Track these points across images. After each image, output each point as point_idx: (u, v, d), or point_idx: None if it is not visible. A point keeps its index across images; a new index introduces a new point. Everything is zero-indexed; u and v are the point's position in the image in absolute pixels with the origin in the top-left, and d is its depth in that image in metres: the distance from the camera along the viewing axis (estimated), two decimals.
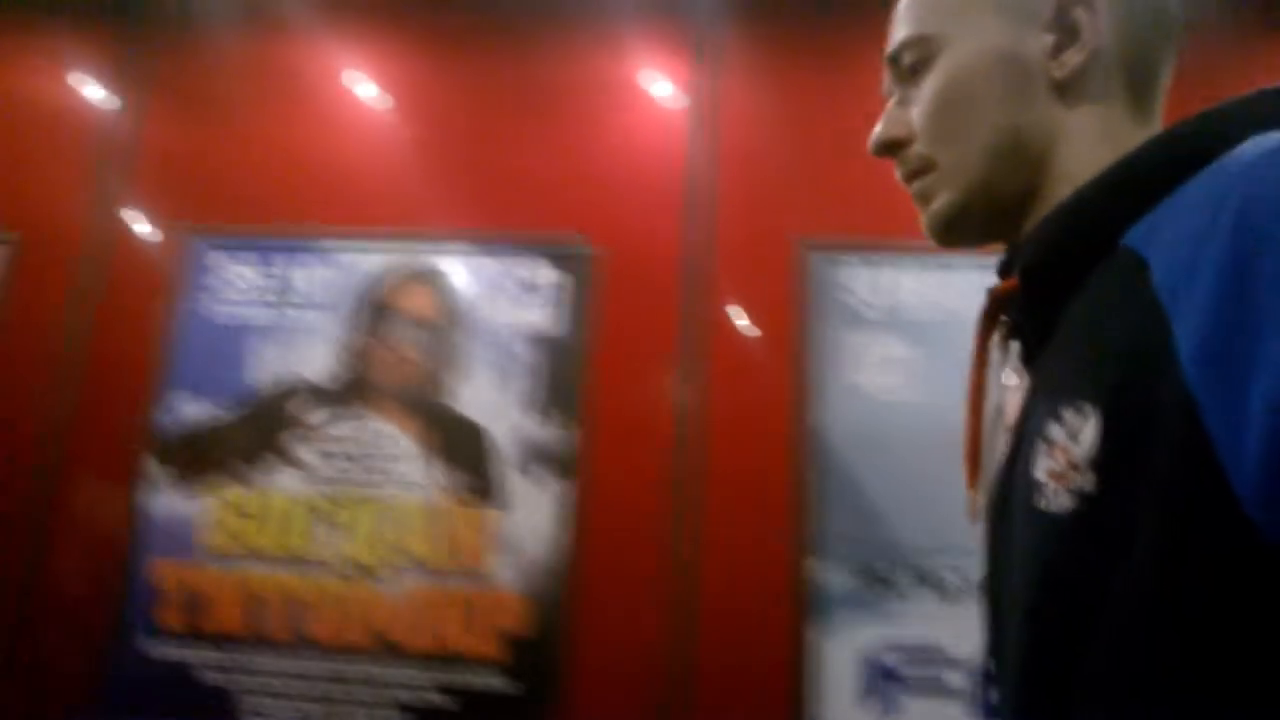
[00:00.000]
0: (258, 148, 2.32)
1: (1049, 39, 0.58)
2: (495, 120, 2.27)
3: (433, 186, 2.24)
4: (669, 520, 1.96)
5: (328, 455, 2.08)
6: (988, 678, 0.57)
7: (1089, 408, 0.45)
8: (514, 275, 2.14)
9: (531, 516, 1.98)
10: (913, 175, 0.63)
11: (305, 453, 2.09)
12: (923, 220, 0.64)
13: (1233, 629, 0.38)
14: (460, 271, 2.16)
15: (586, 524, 1.96)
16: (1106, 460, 0.44)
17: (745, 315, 2.05)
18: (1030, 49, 0.59)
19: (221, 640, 2.00)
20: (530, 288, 2.13)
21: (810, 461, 1.94)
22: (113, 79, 2.41)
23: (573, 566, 1.94)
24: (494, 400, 2.07)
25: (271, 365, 2.16)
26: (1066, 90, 0.58)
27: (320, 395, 2.12)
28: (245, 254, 2.24)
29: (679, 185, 2.14)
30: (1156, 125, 0.60)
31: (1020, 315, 0.57)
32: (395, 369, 2.12)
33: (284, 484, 2.07)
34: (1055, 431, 0.48)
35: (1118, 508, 0.43)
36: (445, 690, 1.91)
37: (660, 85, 2.25)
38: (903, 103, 0.64)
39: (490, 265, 2.15)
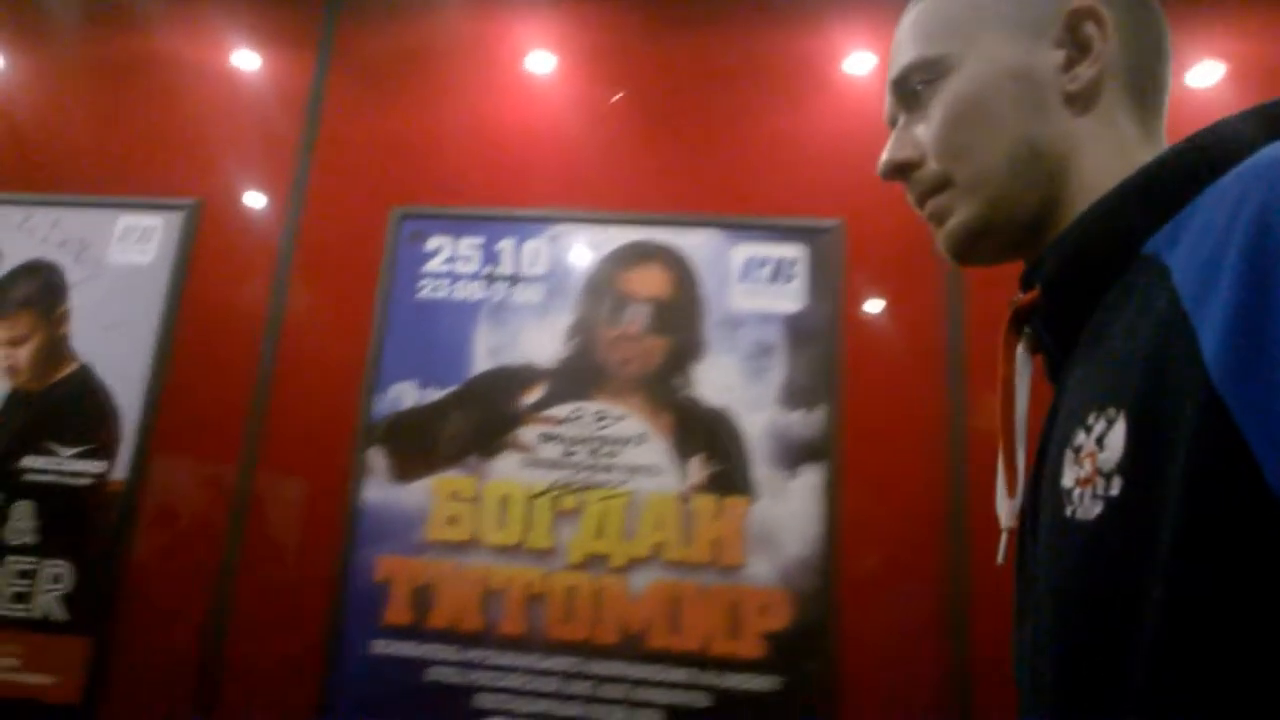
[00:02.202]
0: (463, 123, 2.20)
1: (1060, 54, 0.59)
2: (728, 95, 2.15)
3: (664, 164, 2.13)
4: (936, 507, 1.85)
5: (555, 441, 1.97)
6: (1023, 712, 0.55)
7: (1115, 413, 0.45)
8: (753, 254, 2.03)
9: (786, 507, 1.88)
10: (926, 195, 0.63)
11: (531, 439, 1.98)
12: (939, 239, 0.64)
13: (1271, 624, 0.37)
14: (695, 251, 2.04)
15: (847, 513, 1.86)
16: (1134, 465, 0.43)
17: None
18: (1042, 64, 0.59)
19: (451, 635, 1.89)
20: (771, 267, 2.01)
21: None
22: (308, 50, 2.28)
23: (834, 558, 1.84)
24: (736, 385, 1.96)
25: (490, 346, 2.04)
26: (1079, 104, 0.59)
27: (545, 378, 2.01)
28: (457, 231, 2.12)
29: None
30: (1162, 139, 0.61)
31: (1043, 327, 0.57)
32: (627, 351, 2.00)
33: (510, 471, 1.96)
34: (1082, 439, 0.48)
35: (1147, 511, 0.42)
36: (703, 689, 1.81)
37: None
38: (908, 126, 0.65)
39: (727, 244, 2.04)
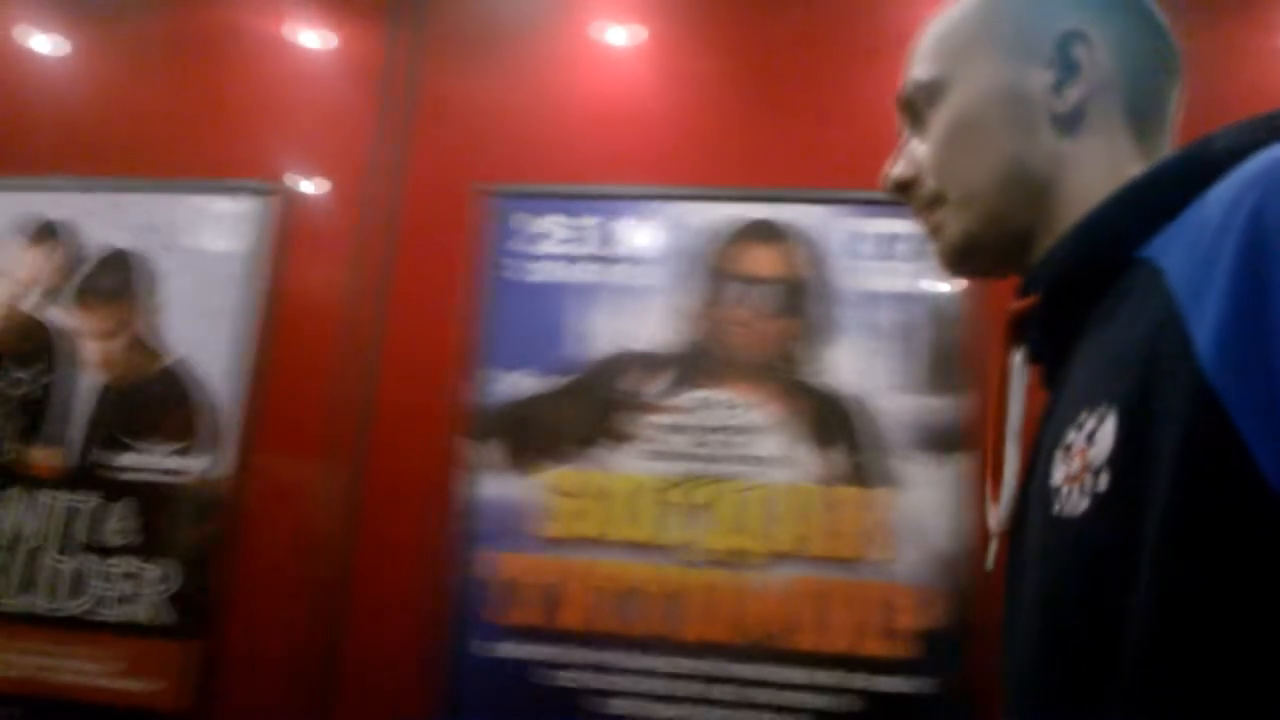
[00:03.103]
0: (562, 95, 2.08)
1: (1050, 75, 0.60)
2: (846, 63, 2.02)
3: (781, 136, 2.00)
4: None
5: (671, 430, 1.86)
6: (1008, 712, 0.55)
7: (1106, 410, 0.45)
8: (881, 230, 1.91)
9: (926, 497, 1.77)
10: (924, 210, 0.66)
11: (645, 428, 1.87)
12: (935, 252, 0.66)
13: (1263, 618, 0.37)
14: (818, 228, 1.92)
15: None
16: (1123, 458, 0.43)
17: None
18: (1032, 85, 0.60)
19: (582, 637, 1.80)
20: (901, 243, 1.89)
21: None
22: (391, 23, 2.16)
23: (979, 550, 1.73)
24: (870, 369, 1.84)
25: (597, 331, 1.94)
26: (1069, 124, 0.60)
27: (657, 363, 1.90)
28: (563, 210, 2.01)
29: None
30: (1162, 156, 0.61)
31: (1039, 334, 0.58)
32: (742, 335, 1.89)
33: (624, 463, 1.86)
34: (1072, 437, 0.48)
35: (1135, 505, 0.42)
36: (852, 692, 1.71)
37: None
38: (912, 143, 0.67)
39: (853, 220, 1.92)
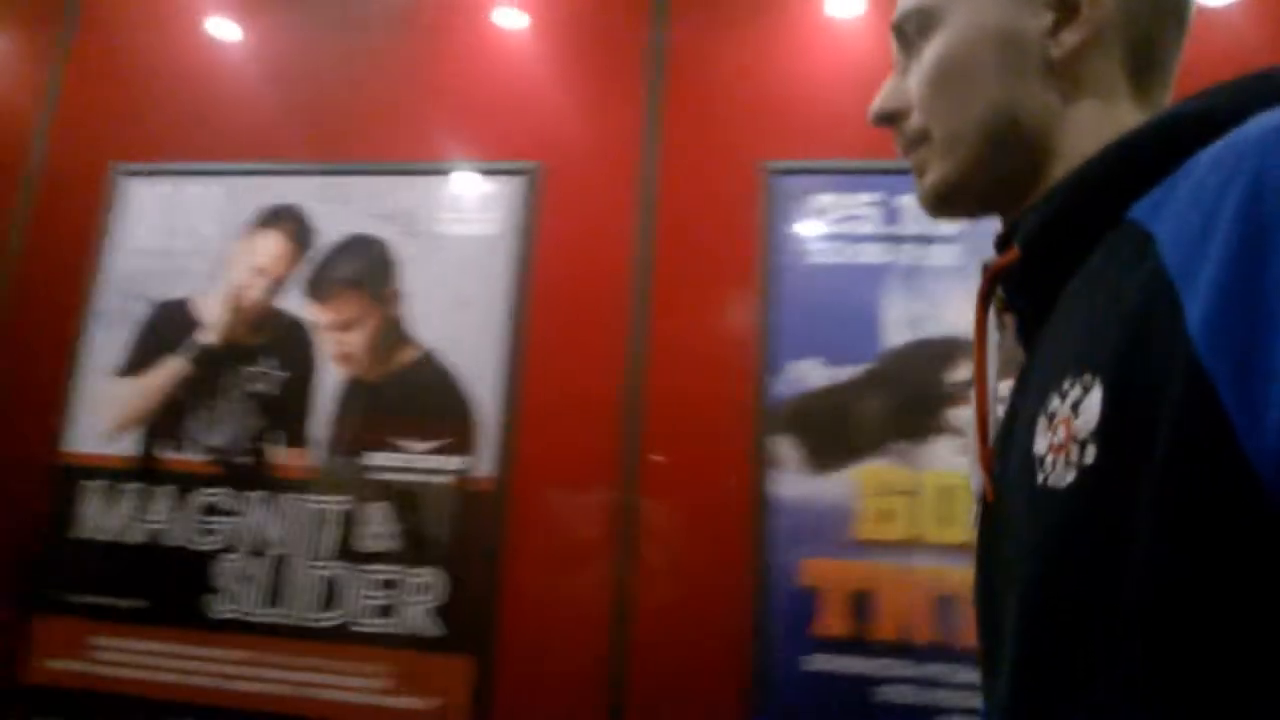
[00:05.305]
0: (840, 61, 1.93)
1: (1048, 17, 0.57)
2: None
3: None
4: None
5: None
6: (984, 684, 0.54)
7: (1091, 379, 0.44)
8: None
9: None
10: (909, 147, 0.63)
11: (955, 421, 1.72)
12: (916, 192, 0.64)
13: (1249, 607, 0.37)
14: None
15: None
16: (1110, 431, 0.42)
17: None
18: (1028, 26, 0.57)
19: (902, 648, 1.65)
20: None
21: None
22: None
23: None
24: None
25: (904, 316, 1.79)
26: (1064, 70, 0.57)
27: (962, 350, 1.75)
28: (849, 186, 1.86)
29: None
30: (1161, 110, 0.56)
31: (1018, 290, 0.56)
32: None
33: (947, 458, 1.71)
34: (1055, 404, 0.46)
35: (1123, 479, 0.41)
36: None
37: None
38: (902, 74, 0.64)
39: None
